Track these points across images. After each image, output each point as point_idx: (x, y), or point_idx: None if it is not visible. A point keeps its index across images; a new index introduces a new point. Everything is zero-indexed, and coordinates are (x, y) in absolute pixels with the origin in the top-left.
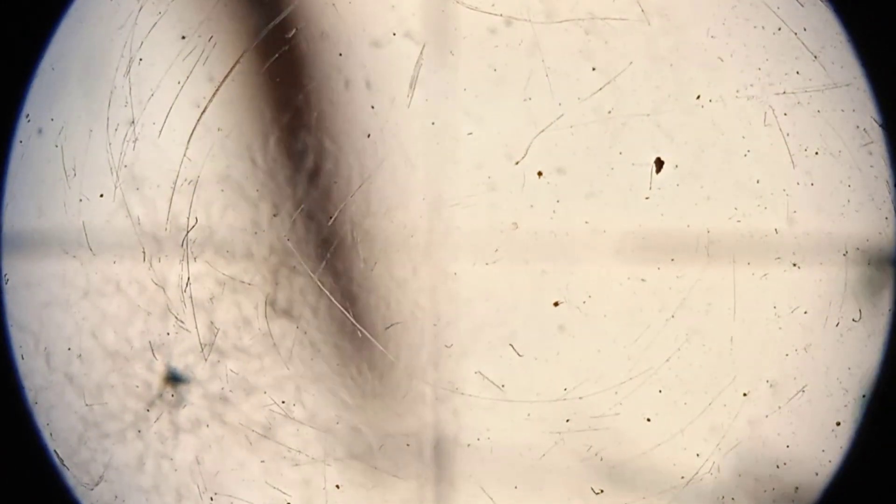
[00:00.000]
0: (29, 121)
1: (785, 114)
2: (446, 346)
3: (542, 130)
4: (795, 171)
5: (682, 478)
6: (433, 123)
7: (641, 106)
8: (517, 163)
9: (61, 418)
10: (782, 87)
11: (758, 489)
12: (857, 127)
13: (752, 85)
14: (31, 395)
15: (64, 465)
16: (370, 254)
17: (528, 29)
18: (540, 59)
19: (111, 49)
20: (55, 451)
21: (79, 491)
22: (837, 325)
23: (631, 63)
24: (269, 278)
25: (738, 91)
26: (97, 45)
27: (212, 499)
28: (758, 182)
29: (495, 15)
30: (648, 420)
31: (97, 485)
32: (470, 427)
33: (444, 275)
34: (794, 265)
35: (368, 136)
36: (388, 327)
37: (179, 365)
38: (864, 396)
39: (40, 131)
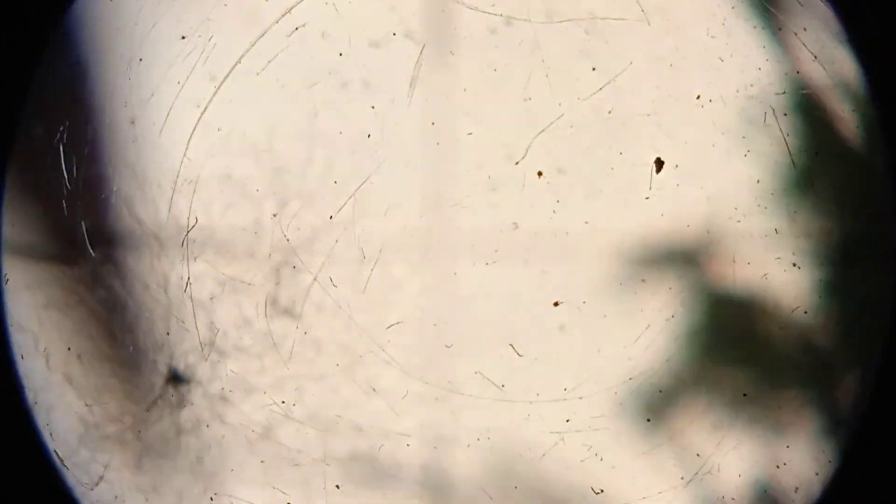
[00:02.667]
0: (30, 121)
1: (785, 114)
2: (446, 346)
3: (542, 130)
4: (795, 172)
5: (682, 478)
6: (433, 123)
7: (642, 106)
8: (517, 163)
9: (61, 419)
10: (782, 87)
11: (758, 489)
12: (857, 127)
13: (752, 85)
14: (30, 395)
15: (63, 465)
16: (370, 254)
17: (528, 29)
18: (540, 59)
19: (111, 49)
20: (55, 451)
21: (78, 491)
22: (838, 325)
23: (631, 63)
24: (269, 278)
25: (738, 91)
26: (98, 45)
27: (212, 499)
28: (758, 182)
29: (495, 15)
30: (648, 420)
31: (97, 485)
32: (470, 427)
33: (445, 275)
34: (795, 265)
35: (368, 136)
36: (388, 327)
37: (180, 365)
38: (864, 396)
39: (41, 131)
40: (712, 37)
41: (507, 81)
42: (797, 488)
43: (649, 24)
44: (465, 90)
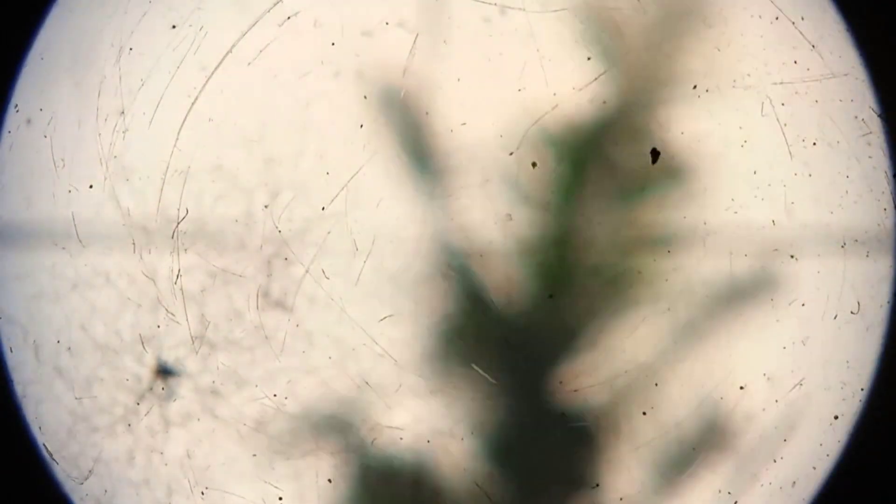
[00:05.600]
0: (17, 111)
1: (782, 104)
2: (440, 339)
3: (537, 121)
4: (793, 162)
5: (679, 473)
6: (427, 114)
7: (637, 96)
8: (511, 153)
9: (50, 412)
10: (780, 77)
11: (755, 484)
12: (856, 117)
13: (749, 75)
14: (19, 388)
15: (53, 459)
16: (363, 245)
17: (523, 18)
18: (535, 49)
19: (101, 38)
20: (44, 445)
21: (68, 485)
22: (836, 317)
23: (627, 52)
24: (260, 270)
25: (735, 81)
26: (87, 34)
27: (203, 493)
28: (755, 173)
29: (489, 3)
30: (644, 414)
31: (86, 479)
32: (464, 421)
33: (438, 267)
34: (792, 257)
35: (361, 126)
36: (381, 320)
37: (170, 358)
38: (862, 390)
39: (29, 121)
40: (709, 26)
41: (501, 71)
42: (795, 483)
43: (645, 13)
44: (458, 80)
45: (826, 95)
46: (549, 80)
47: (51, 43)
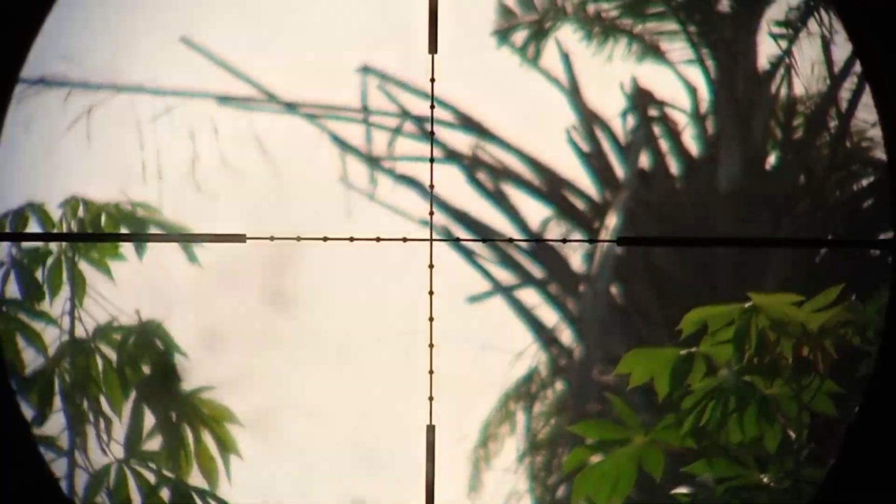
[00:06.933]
0: (18, 109)
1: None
2: (446, 339)
3: (543, 131)
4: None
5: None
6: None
7: (639, 104)
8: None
9: (51, 410)
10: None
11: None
12: (860, 126)
13: None
14: (20, 387)
15: (53, 457)
16: (367, 244)
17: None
18: (543, 63)
19: (103, 37)
20: (44, 443)
21: (68, 484)
22: (836, 318)
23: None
24: (269, 269)
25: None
26: (88, 35)
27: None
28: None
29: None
30: None
31: (86, 478)
32: (465, 420)
33: (440, 266)
34: (792, 259)
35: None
36: (387, 319)
37: (178, 355)
38: (861, 391)
39: (29, 122)
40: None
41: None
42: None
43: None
44: (457, 82)
45: (828, 102)
46: (558, 94)
47: (52, 43)
